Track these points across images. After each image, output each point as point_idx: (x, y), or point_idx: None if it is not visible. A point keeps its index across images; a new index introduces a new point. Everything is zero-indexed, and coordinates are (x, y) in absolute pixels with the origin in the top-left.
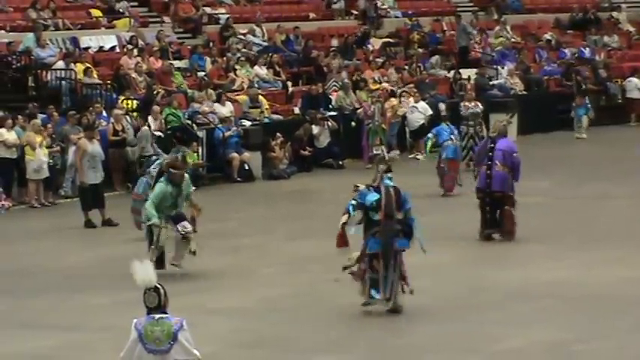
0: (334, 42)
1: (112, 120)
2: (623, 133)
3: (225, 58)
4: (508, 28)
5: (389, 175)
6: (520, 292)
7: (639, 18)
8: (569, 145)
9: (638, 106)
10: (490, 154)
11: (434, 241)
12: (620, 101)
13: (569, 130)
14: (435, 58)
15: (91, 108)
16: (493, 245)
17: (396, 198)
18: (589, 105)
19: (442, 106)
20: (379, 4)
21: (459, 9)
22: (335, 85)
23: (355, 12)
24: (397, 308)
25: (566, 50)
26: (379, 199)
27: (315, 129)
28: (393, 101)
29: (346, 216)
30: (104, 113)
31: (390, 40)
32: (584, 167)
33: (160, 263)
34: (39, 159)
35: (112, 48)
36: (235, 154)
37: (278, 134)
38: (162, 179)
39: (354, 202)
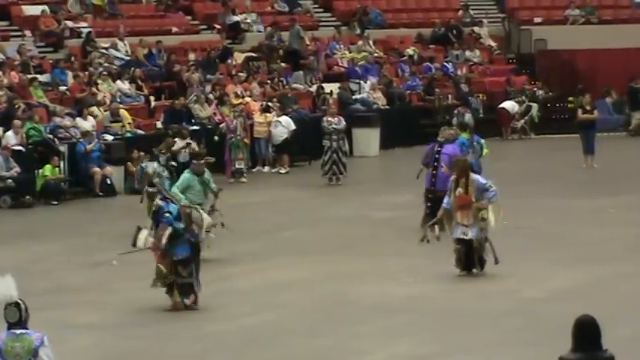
0: (192, 56)
1: None
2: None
3: (87, 73)
4: (371, 42)
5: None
6: (382, 307)
7: (500, 33)
8: None
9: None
10: (437, 156)
11: (296, 256)
12: (481, 116)
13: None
14: (297, 74)
15: None
16: (353, 259)
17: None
18: (470, 114)
19: (467, 117)
20: (241, 18)
21: (321, 24)
22: (195, 99)
23: (218, 26)
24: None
25: (431, 65)
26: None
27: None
28: (269, 116)
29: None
30: None
31: (253, 54)
32: None
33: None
34: None
35: None
36: (97, 169)
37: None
38: (186, 171)
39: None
